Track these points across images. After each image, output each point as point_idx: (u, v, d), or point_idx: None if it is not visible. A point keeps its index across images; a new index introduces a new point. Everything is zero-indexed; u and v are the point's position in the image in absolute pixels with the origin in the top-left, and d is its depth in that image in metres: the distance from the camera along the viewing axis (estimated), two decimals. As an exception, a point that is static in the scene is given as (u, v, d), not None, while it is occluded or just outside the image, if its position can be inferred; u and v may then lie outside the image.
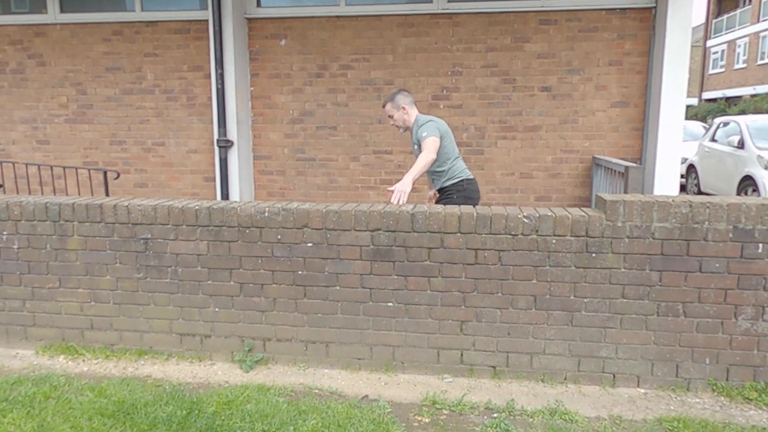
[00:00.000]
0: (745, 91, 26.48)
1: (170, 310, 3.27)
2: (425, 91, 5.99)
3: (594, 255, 2.88)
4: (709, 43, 31.19)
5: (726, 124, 10.50)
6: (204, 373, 3.15)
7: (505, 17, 5.79)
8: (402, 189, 3.46)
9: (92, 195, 5.69)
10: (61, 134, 6.55)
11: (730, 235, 2.79)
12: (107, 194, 5.63)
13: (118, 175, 5.99)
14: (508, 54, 5.84)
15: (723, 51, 29.85)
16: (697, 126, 14.42)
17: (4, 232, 3.33)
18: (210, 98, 6.15)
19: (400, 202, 3.36)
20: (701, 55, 31.43)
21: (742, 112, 19.93)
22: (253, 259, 3.14)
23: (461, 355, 3.06)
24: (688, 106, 20.70)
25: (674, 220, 2.81)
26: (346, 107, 6.15)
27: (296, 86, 6.18)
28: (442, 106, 5.99)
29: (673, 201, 2.82)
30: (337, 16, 6.01)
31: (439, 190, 4.00)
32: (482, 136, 5.99)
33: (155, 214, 3.18)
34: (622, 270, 2.88)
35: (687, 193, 10.70)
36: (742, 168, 9.09)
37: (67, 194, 6.03)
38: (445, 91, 5.97)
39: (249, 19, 6.13)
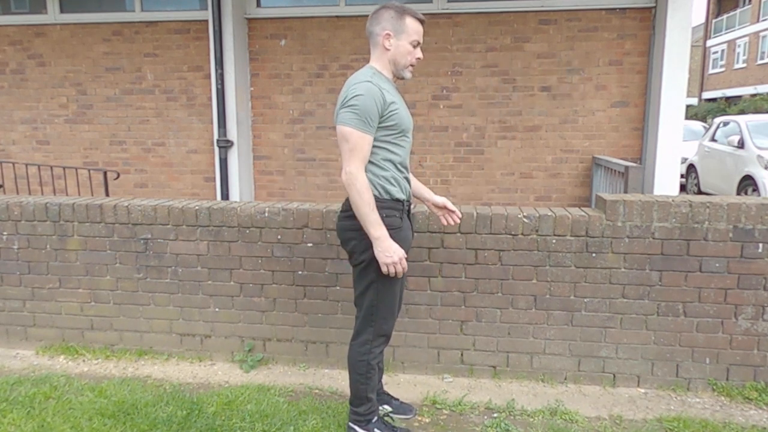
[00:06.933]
0: (745, 90, 26.47)
1: (170, 311, 3.27)
2: (425, 91, 5.99)
3: (594, 255, 2.88)
4: (709, 42, 31.18)
5: (726, 123, 10.49)
6: (204, 373, 3.15)
7: (505, 17, 5.79)
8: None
9: (92, 195, 5.69)
10: (61, 134, 6.55)
11: (730, 234, 2.79)
12: (107, 194, 5.63)
13: (118, 176, 5.99)
14: (507, 54, 5.84)
15: (723, 51, 29.84)
16: (697, 126, 14.42)
17: (4, 233, 3.34)
18: (210, 98, 6.15)
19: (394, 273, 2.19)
20: (701, 54, 31.42)
21: (742, 112, 19.91)
22: (253, 259, 3.14)
23: (461, 355, 3.06)
24: (688, 106, 20.72)
25: (674, 220, 2.81)
26: (346, 107, 6.14)
27: (296, 86, 6.18)
28: (442, 106, 5.99)
29: (673, 201, 2.82)
30: (337, 16, 6.01)
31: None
32: (482, 135, 5.99)
33: (155, 215, 3.18)
34: (622, 270, 2.88)
35: (687, 193, 10.70)
36: (742, 168, 9.09)
37: (67, 194, 6.02)
38: (444, 91, 5.97)
39: (249, 19, 6.13)
